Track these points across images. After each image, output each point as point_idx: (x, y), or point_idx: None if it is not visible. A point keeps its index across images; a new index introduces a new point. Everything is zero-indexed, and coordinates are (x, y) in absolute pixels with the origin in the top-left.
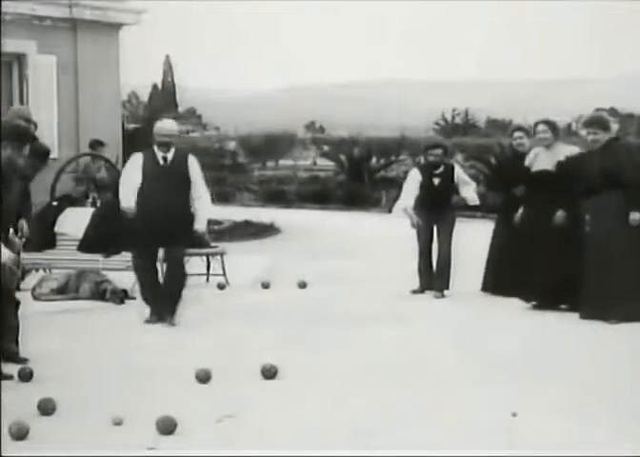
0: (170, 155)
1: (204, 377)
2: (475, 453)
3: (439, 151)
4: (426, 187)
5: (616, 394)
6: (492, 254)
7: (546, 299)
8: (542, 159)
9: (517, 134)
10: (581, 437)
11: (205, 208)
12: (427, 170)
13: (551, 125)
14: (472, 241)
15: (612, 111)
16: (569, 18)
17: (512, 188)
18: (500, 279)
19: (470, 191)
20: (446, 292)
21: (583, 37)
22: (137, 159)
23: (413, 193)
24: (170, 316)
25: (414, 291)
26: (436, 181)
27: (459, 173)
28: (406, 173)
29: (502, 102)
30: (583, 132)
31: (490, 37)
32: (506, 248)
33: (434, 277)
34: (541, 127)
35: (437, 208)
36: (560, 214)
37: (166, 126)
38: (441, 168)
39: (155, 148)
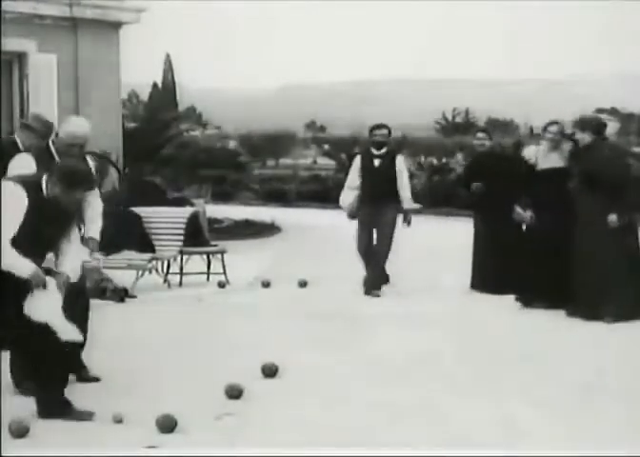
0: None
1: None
2: (475, 453)
3: (384, 131)
4: (367, 169)
5: (614, 394)
6: (477, 252)
7: (537, 298)
8: (552, 158)
9: (480, 135)
10: (580, 437)
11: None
12: (369, 152)
13: (561, 126)
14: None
15: (613, 111)
16: (569, 18)
17: (469, 185)
18: (487, 277)
19: (406, 192)
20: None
21: (584, 37)
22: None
23: (354, 185)
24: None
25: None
26: (377, 162)
27: (400, 162)
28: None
29: (502, 101)
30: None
31: (491, 37)
32: (491, 245)
33: (371, 277)
34: (553, 128)
35: (379, 195)
36: (613, 217)
37: (79, 127)
38: (383, 150)
39: (59, 156)
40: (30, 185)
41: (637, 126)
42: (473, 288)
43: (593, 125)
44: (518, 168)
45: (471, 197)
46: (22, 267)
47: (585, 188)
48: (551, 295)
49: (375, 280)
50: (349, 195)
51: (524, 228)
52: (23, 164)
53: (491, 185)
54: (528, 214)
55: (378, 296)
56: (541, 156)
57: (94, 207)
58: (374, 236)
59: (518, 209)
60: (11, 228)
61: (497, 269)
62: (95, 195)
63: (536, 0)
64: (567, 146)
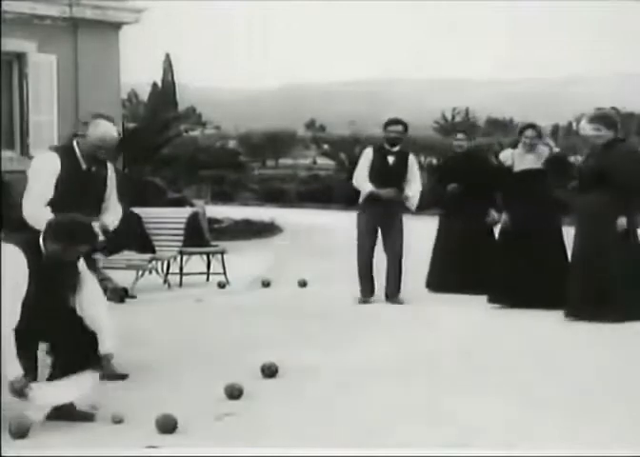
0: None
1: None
2: (475, 453)
3: (400, 128)
4: (380, 166)
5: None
6: (438, 252)
7: (514, 298)
8: (529, 159)
9: (460, 136)
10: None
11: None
12: (382, 148)
13: (538, 129)
14: None
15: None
16: (569, 17)
17: (446, 186)
18: (450, 276)
19: (414, 192)
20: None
21: (584, 36)
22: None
23: (366, 175)
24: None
25: (362, 301)
26: (391, 160)
27: (413, 162)
28: None
29: (502, 101)
30: (588, 128)
31: (492, 36)
32: (458, 245)
33: (386, 284)
34: (530, 132)
35: (391, 199)
36: (623, 221)
37: (108, 131)
38: (398, 147)
39: (83, 157)
40: (29, 245)
41: (637, 126)
42: (429, 288)
43: (610, 120)
44: (490, 170)
45: (445, 197)
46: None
47: (594, 187)
48: (531, 295)
49: (394, 285)
50: (366, 184)
51: (500, 227)
52: (47, 162)
53: (464, 186)
54: (502, 217)
55: (401, 303)
56: (517, 158)
57: (113, 203)
58: (382, 239)
59: (493, 212)
60: (13, 301)
61: (463, 270)
62: (114, 201)
63: (536, 0)
64: (543, 149)
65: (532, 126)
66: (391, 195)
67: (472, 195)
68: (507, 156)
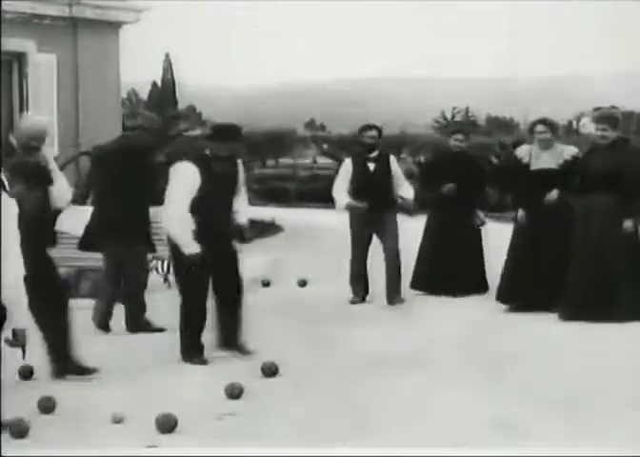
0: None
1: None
2: (475, 453)
3: (374, 133)
4: (361, 174)
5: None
6: (424, 252)
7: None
8: (543, 158)
9: (458, 136)
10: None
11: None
12: (361, 156)
13: (550, 124)
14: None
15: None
16: (569, 16)
17: (441, 186)
18: (436, 277)
19: (406, 191)
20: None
21: (584, 35)
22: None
23: (345, 187)
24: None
25: (353, 302)
26: (372, 166)
27: (394, 163)
28: (405, 171)
29: (502, 100)
30: (591, 127)
31: (492, 34)
32: (440, 246)
33: (386, 285)
34: (540, 127)
35: (377, 201)
36: (629, 223)
37: (35, 123)
38: (376, 153)
39: (22, 152)
40: None
41: (637, 125)
42: (413, 287)
43: (616, 121)
44: (480, 171)
45: (436, 196)
46: None
47: (599, 187)
48: (546, 296)
49: (395, 286)
50: (343, 196)
51: (515, 225)
52: None
53: (455, 185)
54: (518, 213)
55: (402, 302)
56: (534, 156)
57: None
58: (379, 242)
59: (479, 213)
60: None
61: (450, 270)
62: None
63: (536, 0)
64: (560, 146)
65: (543, 121)
66: (365, 208)
67: (461, 195)
68: (524, 153)
